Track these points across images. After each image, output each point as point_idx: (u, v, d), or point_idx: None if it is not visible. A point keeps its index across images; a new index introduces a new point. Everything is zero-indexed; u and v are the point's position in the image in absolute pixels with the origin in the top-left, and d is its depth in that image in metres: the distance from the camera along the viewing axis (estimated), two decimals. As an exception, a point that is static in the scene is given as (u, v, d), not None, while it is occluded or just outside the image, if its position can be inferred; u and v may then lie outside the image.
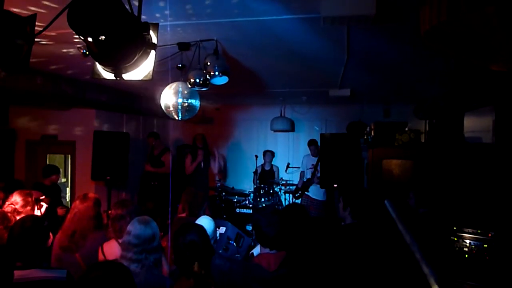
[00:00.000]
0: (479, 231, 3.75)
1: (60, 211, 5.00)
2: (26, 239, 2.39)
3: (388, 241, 2.91)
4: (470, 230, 3.79)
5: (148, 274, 2.44)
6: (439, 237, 3.83)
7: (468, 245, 3.76)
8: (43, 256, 2.52)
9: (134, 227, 2.54)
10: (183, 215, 4.19)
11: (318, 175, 6.29)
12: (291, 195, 7.66)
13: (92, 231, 3.21)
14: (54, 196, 5.47)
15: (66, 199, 6.96)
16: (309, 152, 7.23)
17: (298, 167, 8.01)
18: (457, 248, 3.79)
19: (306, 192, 6.92)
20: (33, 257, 2.38)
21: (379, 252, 2.82)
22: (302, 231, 2.95)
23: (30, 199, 3.60)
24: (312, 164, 6.91)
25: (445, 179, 4.55)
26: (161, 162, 7.14)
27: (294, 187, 7.75)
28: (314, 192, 6.83)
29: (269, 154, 7.91)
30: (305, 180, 7.08)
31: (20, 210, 3.49)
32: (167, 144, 9.14)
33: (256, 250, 3.06)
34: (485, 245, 3.69)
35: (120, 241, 2.82)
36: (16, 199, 3.52)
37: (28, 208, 3.55)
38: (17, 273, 2.27)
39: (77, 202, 3.34)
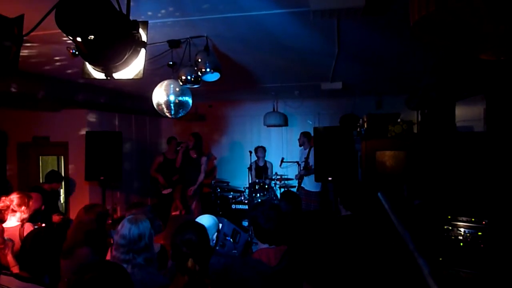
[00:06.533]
0: (473, 219, 3.78)
1: (55, 217, 4.98)
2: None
3: (383, 233, 2.93)
4: (464, 219, 3.82)
5: (143, 273, 2.43)
6: (434, 227, 3.86)
7: (462, 233, 3.80)
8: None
9: (121, 227, 2.52)
10: (177, 212, 4.23)
11: (304, 166, 6.56)
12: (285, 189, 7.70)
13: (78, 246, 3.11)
14: (52, 202, 5.46)
15: (60, 201, 6.92)
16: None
17: (293, 162, 8.05)
18: (452, 237, 3.83)
19: (301, 184, 7.00)
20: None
21: (372, 243, 2.84)
22: (299, 224, 2.96)
23: (26, 200, 3.60)
24: (305, 157, 6.98)
25: (438, 168, 4.59)
26: None
27: (289, 181, 7.83)
28: (308, 183, 6.89)
29: (261, 150, 7.93)
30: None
31: (15, 208, 3.51)
32: (160, 142, 9.13)
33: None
34: (480, 233, 3.73)
35: None
36: (13, 197, 3.53)
37: (23, 208, 3.55)
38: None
39: (82, 211, 3.32)
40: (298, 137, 7.25)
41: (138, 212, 3.07)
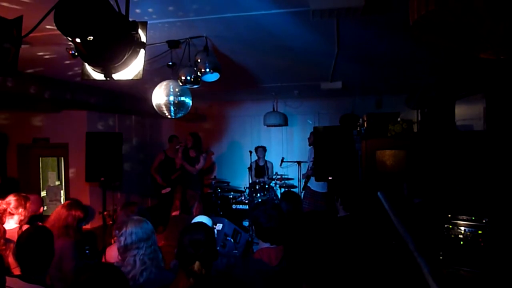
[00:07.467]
0: (473, 218, 3.79)
1: None
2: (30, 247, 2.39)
3: (382, 233, 2.94)
4: (464, 217, 3.83)
5: (154, 270, 2.48)
6: (434, 226, 3.86)
7: (462, 232, 3.80)
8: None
9: (139, 226, 2.57)
10: (177, 213, 4.23)
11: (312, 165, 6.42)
12: (286, 189, 7.69)
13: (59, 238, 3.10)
14: None
15: (60, 202, 6.92)
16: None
17: (293, 161, 8.04)
18: (452, 236, 3.83)
19: (307, 184, 6.98)
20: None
21: (371, 244, 2.84)
22: (297, 224, 2.96)
23: (23, 202, 3.58)
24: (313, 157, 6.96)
25: (438, 167, 4.59)
26: None
27: (290, 181, 7.82)
28: (315, 183, 6.86)
29: (261, 150, 7.93)
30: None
31: (12, 211, 3.49)
32: (161, 143, 9.13)
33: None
34: (480, 231, 3.73)
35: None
36: (9, 200, 3.51)
37: (21, 210, 3.54)
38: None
39: (61, 206, 3.36)
40: (308, 136, 7.19)
41: (124, 214, 3.08)
